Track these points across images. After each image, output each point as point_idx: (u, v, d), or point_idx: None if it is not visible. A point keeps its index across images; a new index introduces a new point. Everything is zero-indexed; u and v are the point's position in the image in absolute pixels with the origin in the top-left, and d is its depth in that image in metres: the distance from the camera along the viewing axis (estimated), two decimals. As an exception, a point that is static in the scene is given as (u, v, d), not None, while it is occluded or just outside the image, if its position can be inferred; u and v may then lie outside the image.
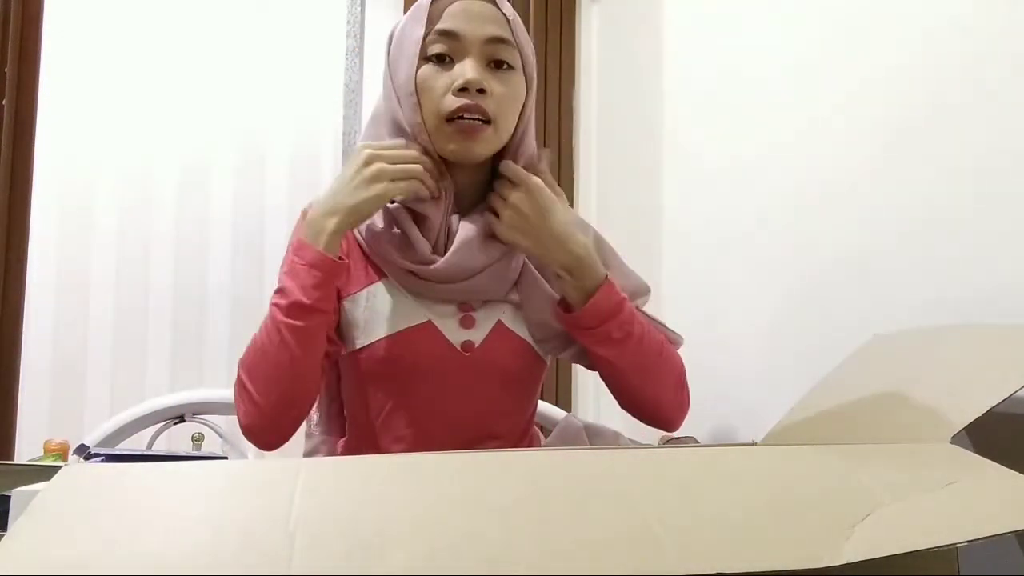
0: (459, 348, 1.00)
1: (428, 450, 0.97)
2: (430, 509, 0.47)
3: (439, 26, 0.96)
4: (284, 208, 2.14)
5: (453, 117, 0.95)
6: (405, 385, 1.01)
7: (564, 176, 2.13)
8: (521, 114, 1.01)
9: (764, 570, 0.39)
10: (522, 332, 1.04)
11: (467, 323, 1.02)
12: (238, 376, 0.98)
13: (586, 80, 2.18)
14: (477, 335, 1.01)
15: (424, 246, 0.99)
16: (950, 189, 1.00)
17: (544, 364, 1.09)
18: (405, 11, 2.07)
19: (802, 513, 0.45)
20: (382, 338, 1.00)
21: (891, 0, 1.12)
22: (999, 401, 0.63)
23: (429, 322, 1.00)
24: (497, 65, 0.97)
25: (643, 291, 1.08)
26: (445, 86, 0.96)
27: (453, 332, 1.01)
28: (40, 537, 0.43)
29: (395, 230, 1.01)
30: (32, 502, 0.45)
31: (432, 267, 0.99)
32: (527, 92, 1.01)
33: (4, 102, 1.87)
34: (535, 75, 1.03)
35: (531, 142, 1.03)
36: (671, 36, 1.77)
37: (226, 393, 1.66)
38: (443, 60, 0.97)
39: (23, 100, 1.91)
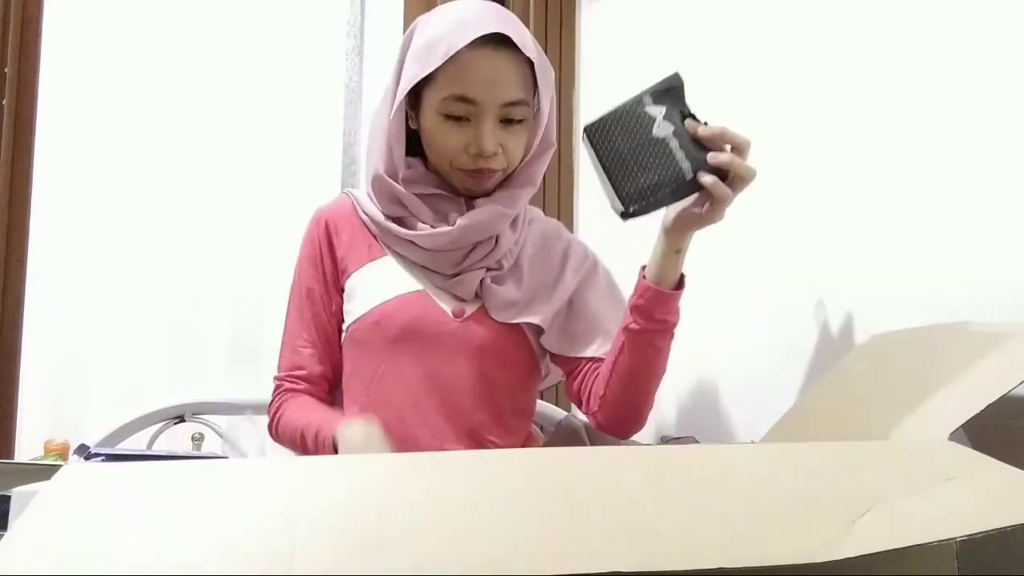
0: (450, 314, 1.06)
1: (416, 421, 1.04)
2: (430, 508, 0.47)
3: (458, 91, 1.00)
4: (283, 205, 2.14)
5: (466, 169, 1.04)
6: (395, 349, 1.05)
7: (564, 176, 2.13)
8: (530, 141, 1.07)
9: (766, 565, 0.39)
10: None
11: (461, 297, 1.08)
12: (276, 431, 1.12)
13: (586, 80, 2.18)
14: (470, 305, 1.07)
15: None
16: (950, 189, 1.00)
17: (532, 354, 1.11)
18: (405, 12, 2.09)
19: (802, 510, 0.45)
20: (375, 307, 1.06)
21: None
22: (996, 398, 0.63)
23: (423, 290, 1.06)
24: (510, 121, 1.03)
25: None
26: (460, 145, 1.02)
27: (446, 300, 1.07)
28: (40, 536, 0.43)
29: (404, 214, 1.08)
30: (32, 502, 0.45)
31: (440, 230, 1.05)
32: (539, 125, 1.07)
33: (4, 102, 1.87)
34: (552, 95, 1.08)
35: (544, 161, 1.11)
36: (670, 36, 1.77)
37: (226, 393, 1.66)
38: (459, 119, 1.02)
39: (23, 100, 1.90)
